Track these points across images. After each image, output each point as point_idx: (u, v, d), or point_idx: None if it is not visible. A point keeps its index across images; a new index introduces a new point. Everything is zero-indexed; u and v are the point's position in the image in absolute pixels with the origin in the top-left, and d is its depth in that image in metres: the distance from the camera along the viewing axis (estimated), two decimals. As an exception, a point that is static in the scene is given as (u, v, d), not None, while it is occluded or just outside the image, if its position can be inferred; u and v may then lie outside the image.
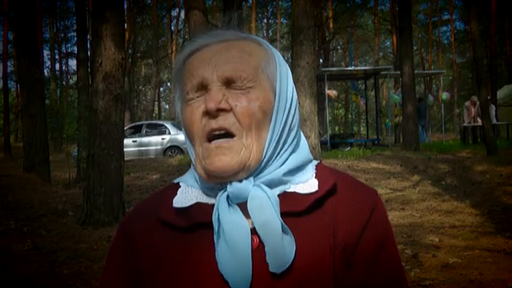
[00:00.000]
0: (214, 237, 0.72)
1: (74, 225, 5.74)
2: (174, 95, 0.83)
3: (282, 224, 0.71)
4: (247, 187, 0.73)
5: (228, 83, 0.75)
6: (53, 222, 5.96)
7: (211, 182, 0.76)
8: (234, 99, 0.74)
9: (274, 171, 0.76)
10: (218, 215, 0.73)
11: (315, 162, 0.83)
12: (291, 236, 0.71)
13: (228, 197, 0.74)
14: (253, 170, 0.75)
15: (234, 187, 0.73)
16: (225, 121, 0.73)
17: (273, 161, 0.77)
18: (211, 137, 0.74)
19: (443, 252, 4.09)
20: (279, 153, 0.77)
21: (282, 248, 0.70)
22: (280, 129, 0.77)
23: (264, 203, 0.72)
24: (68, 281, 3.74)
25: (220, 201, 0.73)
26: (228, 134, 0.73)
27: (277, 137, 0.77)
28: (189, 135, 0.78)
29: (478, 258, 3.88)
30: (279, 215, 0.72)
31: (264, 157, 0.75)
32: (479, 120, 14.64)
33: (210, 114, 0.73)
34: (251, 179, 0.75)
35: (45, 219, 6.08)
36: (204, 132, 0.74)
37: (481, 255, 3.94)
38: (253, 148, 0.74)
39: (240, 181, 0.74)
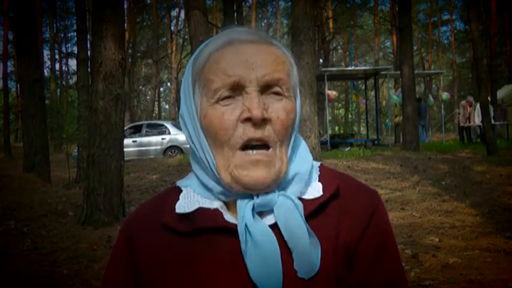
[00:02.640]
0: (242, 245, 0.71)
1: (74, 225, 5.74)
2: (185, 89, 0.78)
3: (308, 230, 0.71)
4: (273, 197, 0.73)
5: (266, 88, 0.72)
6: (53, 222, 5.96)
7: (236, 190, 0.73)
8: (273, 109, 0.72)
9: (290, 176, 0.76)
10: (245, 225, 0.71)
11: (317, 164, 0.83)
12: (317, 241, 0.71)
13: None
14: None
15: (261, 199, 0.72)
16: (264, 132, 0.71)
17: (289, 167, 0.76)
18: (246, 145, 0.71)
19: (443, 252, 4.09)
20: (291, 159, 0.77)
21: (309, 253, 0.70)
22: (296, 136, 0.78)
23: (291, 211, 0.72)
24: (68, 281, 3.73)
25: (245, 212, 0.72)
26: (264, 145, 0.71)
27: (293, 145, 0.77)
28: (213, 137, 0.73)
29: (478, 258, 3.88)
30: (305, 221, 0.72)
31: (288, 168, 0.75)
32: (476, 120, 14.68)
33: (253, 121, 0.70)
34: (275, 189, 0.74)
35: (45, 219, 6.08)
36: (241, 139, 0.70)
37: (481, 255, 3.93)
38: (283, 160, 0.73)
39: (266, 192, 0.73)
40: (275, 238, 0.71)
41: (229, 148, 0.71)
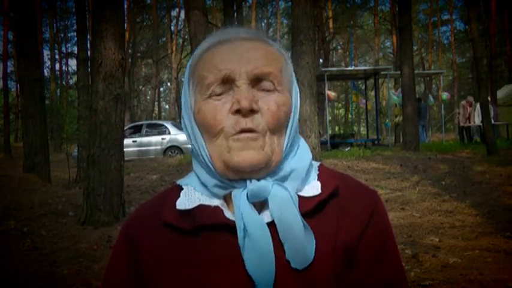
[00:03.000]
0: (239, 236, 0.71)
1: (74, 225, 5.74)
2: (187, 88, 0.80)
3: (303, 221, 0.72)
4: (267, 185, 0.73)
5: (256, 81, 0.74)
6: (53, 222, 5.96)
7: (230, 176, 0.75)
8: (263, 101, 0.74)
9: (287, 172, 0.76)
10: (240, 213, 0.72)
11: (317, 163, 0.84)
12: (311, 233, 0.72)
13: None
14: (272, 171, 0.75)
15: (254, 185, 0.73)
16: (253, 121, 0.72)
17: (286, 163, 0.77)
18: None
19: (443, 252, 4.09)
20: (290, 154, 0.78)
21: (303, 245, 0.71)
22: (294, 132, 0.79)
23: (285, 202, 0.72)
24: (68, 281, 3.73)
25: (241, 200, 0.73)
26: (257, 132, 0.73)
27: (292, 140, 0.78)
28: (207, 131, 0.75)
29: (478, 258, 3.88)
30: (299, 213, 0.73)
31: (283, 159, 0.76)
32: (476, 120, 14.70)
33: (242, 112, 0.72)
34: (268, 178, 0.75)
35: (45, 219, 6.08)
36: (233, 130, 0.72)
37: (481, 255, 3.93)
38: (275, 149, 0.74)
39: (258, 180, 0.74)
40: (269, 232, 0.71)
41: (223, 137, 0.73)
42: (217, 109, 0.73)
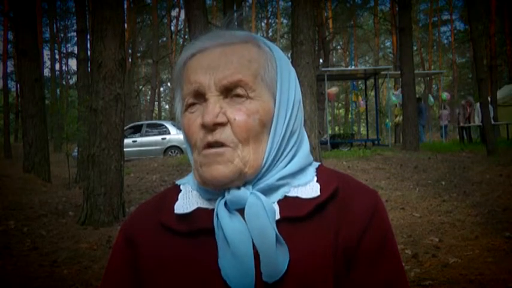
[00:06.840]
0: (217, 242, 0.72)
1: (74, 225, 5.73)
2: (175, 97, 0.82)
3: (276, 234, 0.71)
4: (245, 195, 0.73)
5: (226, 91, 0.73)
6: (53, 222, 5.95)
7: (208, 188, 0.76)
8: (232, 111, 0.73)
9: (272, 177, 0.76)
10: (219, 221, 0.72)
11: (316, 164, 0.83)
12: (284, 246, 0.71)
13: (226, 203, 0.74)
14: (251, 178, 0.74)
15: (231, 194, 0.73)
16: (221, 135, 0.72)
17: (272, 167, 0.76)
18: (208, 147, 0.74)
19: (443, 252, 4.09)
20: (279, 159, 0.77)
21: (275, 258, 0.70)
22: (281, 136, 0.76)
23: (259, 212, 0.71)
24: (68, 281, 3.73)
25: (219, 208, 0.73)
26: (225, 145, 0.73)
27: (278, 145, 0.76)
28: (188, 142, 0.78)
29: (478, 258, 3.88)
30: (274, 224, 0.71)
31: (264, 166, 0.75)
32: (476, 120, 14.71)
33: (206, 128, 0.72)
34: (249, 186, 0.74)
35: (45, 219, 6.07)
36: (201, 143, 0.73)
37: (481, 255, 3.93)
38: (249, 159, 0.73)
39: (238, 188, 0.74)
40: (249, 238, 0.71)
41: (196, 150, 0.75)
42: (191, 122, 0.75)
